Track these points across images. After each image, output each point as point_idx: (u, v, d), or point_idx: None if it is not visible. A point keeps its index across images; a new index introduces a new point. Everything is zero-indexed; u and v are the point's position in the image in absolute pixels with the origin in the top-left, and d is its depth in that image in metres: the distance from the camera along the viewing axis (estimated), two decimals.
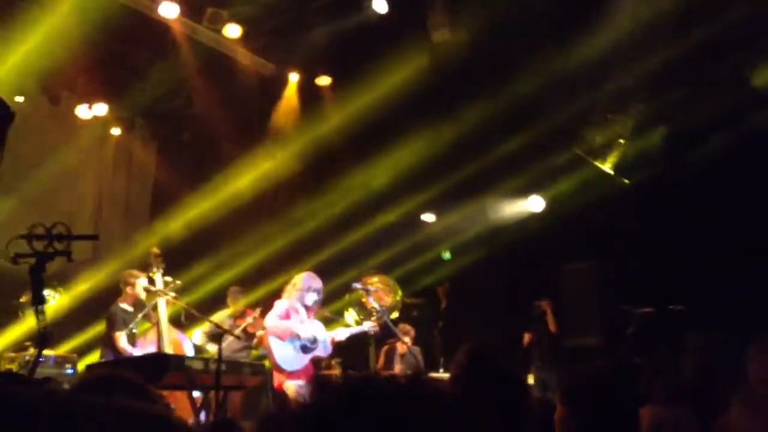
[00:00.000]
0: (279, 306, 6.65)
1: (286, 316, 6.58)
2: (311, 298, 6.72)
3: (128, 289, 6.61)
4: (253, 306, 7.91)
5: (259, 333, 7.57)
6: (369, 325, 7.28)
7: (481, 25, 7.93)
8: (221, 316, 7.65)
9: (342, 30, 8.71)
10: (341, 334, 6.93)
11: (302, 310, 6.69)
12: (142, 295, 6.54)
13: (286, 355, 6.47)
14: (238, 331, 7.25)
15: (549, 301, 8.65)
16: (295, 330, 6.52)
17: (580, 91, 8.41)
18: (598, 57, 8.00)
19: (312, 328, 6.71)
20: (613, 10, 7.63)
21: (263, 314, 7.34)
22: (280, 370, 6.44)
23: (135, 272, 6.70)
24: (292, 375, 6.43)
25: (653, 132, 8.37)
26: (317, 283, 6.77)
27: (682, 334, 6.88)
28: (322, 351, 6.73)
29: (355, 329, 7.19)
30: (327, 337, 6.76)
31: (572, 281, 9.33)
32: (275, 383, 6.49)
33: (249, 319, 7.59)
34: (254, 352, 7.80)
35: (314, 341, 6.64)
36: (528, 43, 8.09)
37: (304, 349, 6.59)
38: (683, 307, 6.86)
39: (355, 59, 9.22)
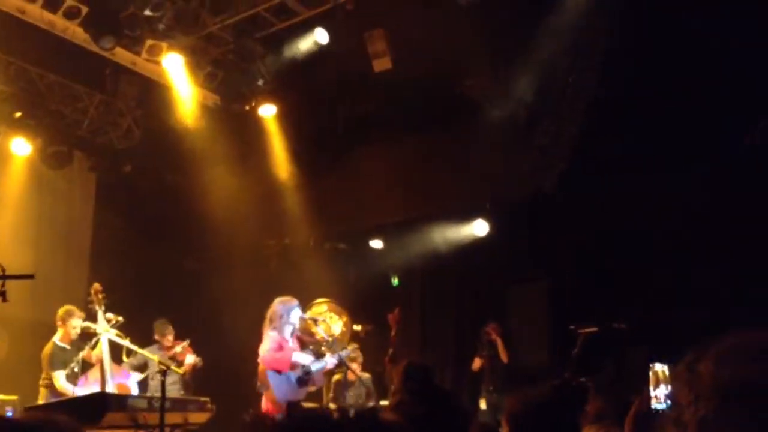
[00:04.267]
0: (270, 338, 6.44)
1: (279, 348, 6.42)
2: (295, 316, 6.58)
3: (63, 326, 6.45)
4: (181, 337, 7.87)
5: (190, 359, 7.66)
6: (347, 352, 7.30)
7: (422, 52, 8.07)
8: (151, 351, 7.53)
9: (284, 60, 8.75)
10: (331, 362, 6.82)
11: (290, 341, 6.57)
12: (78, 331, 6.39)
13: (283, 389, 6.33)
14: (165, 358, 7.27)
15: (496, 326, 8.69)
16: (293, 361, 6.42)
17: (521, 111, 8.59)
18: (535, 74, 8.21)
19: (306, 356, 6.61)
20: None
21: (191, 345, 7.36)
22: (278, 404, 6.25)
23: (69, 308, 6.55)
24: None
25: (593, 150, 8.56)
26: (291, 302, 6.65)
27: (625, 353, 7.01)
28: (314, 382, 6.66)
29: (343, 354, 7.09)
30: (317, 366, 6.66)
31: (519, 302, 9.43)
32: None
33: (178, 348, 7.55)
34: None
35: (308, 372, 6.54)
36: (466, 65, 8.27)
37: (300, 381, 6.49)
38: (626, 325, 6.98)
39: (299, 89, 9.26)
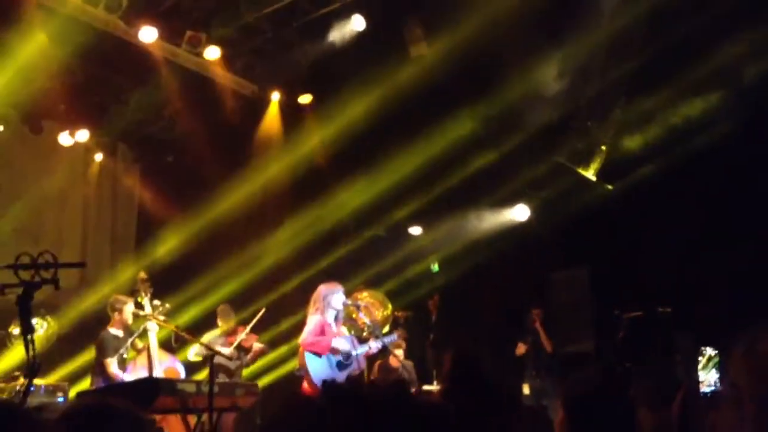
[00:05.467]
0: (313, 321, 6.51)
1: (321, 331, 6.48)
2: (338, 301, 6.62)
3: (116, 315, 6.58)
4: (243, 323, 7.93)
5: (257, 346, 7.71)
6: (393, 337, 7.32)
7: (458, 38, 8.00)
8: (212, 336, 7.65)
9: (322, 48, 8.77)
10: (374, 347, 6.85)
11: (333, 325, 6.64)
12: (130, 320, 6.52)
13: (323, 372, 6.37)
14: (231, 349, 7.30)
15: (539, 312, 8.65)
16: (333, 345, 6.48)
17: (560, 99, 8.50)
18: (575, 65, 8.10)
19: (346, 342, 6.66)
20: (589, 17, 7.72)
21: (254, 330, 7.43)
22: (316, 387, 6.29)
23: (122, 297, 6.67)
24: None
25: (634, 136, 8.46)
26: (335, 287, 6.70)
27: (671, 337, 6.94)
28: (356, 366, 6.68)
29: (386, 339, 7.09)
30: (360, 351, 6.71)
31: (561, 289, 9.37)
32: None
33: (242, 335, 7.61)
34: (245, 371, 7.81)
35: (348, 356, 6.60)
36: (505, 54, 8.17)
37: (340, 365, 6.55)
38: (671, 309, 6.91)
39: (336, 76, 9.27)
